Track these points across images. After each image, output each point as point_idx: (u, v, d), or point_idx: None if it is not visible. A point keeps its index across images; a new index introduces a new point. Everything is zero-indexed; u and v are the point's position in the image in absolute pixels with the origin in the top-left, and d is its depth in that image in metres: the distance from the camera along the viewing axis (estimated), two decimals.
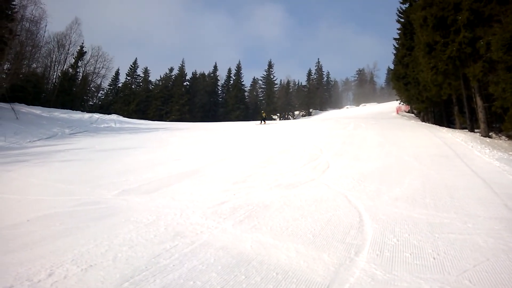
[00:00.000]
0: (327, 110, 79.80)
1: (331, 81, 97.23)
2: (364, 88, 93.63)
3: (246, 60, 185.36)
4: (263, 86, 78.63)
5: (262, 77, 79.44)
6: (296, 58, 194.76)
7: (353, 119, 29.99)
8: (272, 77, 78.03)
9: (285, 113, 74.55)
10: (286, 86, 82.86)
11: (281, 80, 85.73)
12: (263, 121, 31.04)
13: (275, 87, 79.05)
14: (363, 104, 78.78)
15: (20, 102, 31.13)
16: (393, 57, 35.64)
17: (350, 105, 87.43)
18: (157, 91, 64.38)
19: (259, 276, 3.43)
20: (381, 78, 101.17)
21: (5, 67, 27.44)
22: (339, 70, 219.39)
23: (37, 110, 30.90)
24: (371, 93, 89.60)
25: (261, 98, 77.47)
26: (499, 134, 16.22)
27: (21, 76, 31.32)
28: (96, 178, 9.03)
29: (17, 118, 25.12)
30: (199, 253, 4.02)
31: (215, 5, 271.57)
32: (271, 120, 26.07)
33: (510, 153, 11.73)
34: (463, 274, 3.39)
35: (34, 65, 42.63)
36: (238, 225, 5.06)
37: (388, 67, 77.00)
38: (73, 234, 4.74)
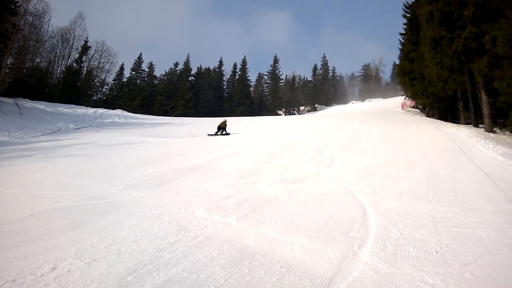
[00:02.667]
0: (332, 106, 79.34)
1: (337, 76, 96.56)
2: (369, 84, 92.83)
3: (253, 64, 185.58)
4: (268, 81, 78.29)
5: (267, 72, 79.16)
6: (302, 63, 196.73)
7: (358, 114, 29.87)
8: (277, 72, 77.67)
9: (291, 109, 74.21)
10: (291, 81, 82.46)
11: (286, 75, 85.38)
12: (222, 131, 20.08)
13: (281, 82, 78.66)
14: (369, 99, 78.22)
15: (23, 97, 31.28)
16: (398, 52, 35.51)
17: (355, 100, 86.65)
18: (162, 86, 64.43)
19: (263, 270, 3.45)
20: (386, 73, 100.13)
21: (9, 61, 27.46)
22: (345, 65, 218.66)
23: (41, 105, 31.10)
24: (376, 89, 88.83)
25: (267, 93, 77.15)
26: (503, 130, 16.11)
27: (24, 70, 31.38)
28: (101, 173, 9.09)
29: (20, 113, 25.28)
30: (203, 247, 4.04)
31: (224, 12, 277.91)
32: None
33: None
34: (465, 267, 3.39)
35: (38, 60, 42.74)
36: (243, 219, 5.07)
37: (394, 62, 76.33)
38: (77, 229, 4.77)
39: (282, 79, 79.73)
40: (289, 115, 66.80)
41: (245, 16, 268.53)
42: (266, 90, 78.17)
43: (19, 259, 3.80)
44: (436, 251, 3.78)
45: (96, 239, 4.33)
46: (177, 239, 4.28)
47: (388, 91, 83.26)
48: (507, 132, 15.32)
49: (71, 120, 26.95)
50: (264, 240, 4.25)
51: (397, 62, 39.09)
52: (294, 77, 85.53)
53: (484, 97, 16.76)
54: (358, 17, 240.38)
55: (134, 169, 9.44)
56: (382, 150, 11.34)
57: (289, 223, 4.85)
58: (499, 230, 4.32)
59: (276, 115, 63.55)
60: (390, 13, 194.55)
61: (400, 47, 34.05)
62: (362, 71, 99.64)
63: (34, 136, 19.78)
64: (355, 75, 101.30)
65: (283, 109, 73.58)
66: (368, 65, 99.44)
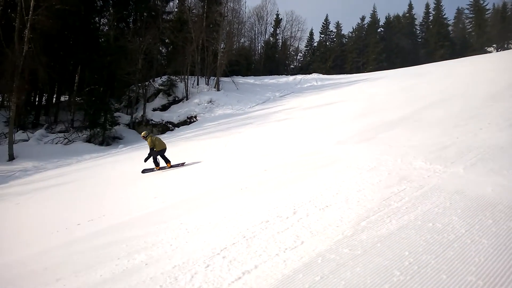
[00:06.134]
0: None
1: None
2: None
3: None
4: (470, 16, 65.68)
5: (467, 5, 66.25)
6: None
7: None
8: (481, 2, 63.92)
9: (506, 43, 60.04)
10: (502, 10, 66.34)
11: (494, 3, 68.92)
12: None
13: (487, 14, 64.42)
14: None
15: (236, 75, 35.99)
16: None
17: None
18: (351, 44, 62.89)
19: None
20: None
21: (221, 46, 31.80)
22: None
23: (250, 80, 35.19)
24: None
25: (470, 29, 65.06)
26: None
27: (233, 51, 35.79)
28: (310, 132, 9.76)
29: (237, 88, 29.48)
30: (431, 197, 3.84)
31: None
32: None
33: None
34: None
35: (242, 40, 48.15)
36: (470, 168, 4.57)
37: None
38: (304, 179, 5.32)
39: (488, 9, 65.02)
40: (503, 50, 54.30)
41: None
42: (469, 26, 65.77)
43: (266, 203, 4.55)
44: None
45: (323, 188, 4.72)
46: (400, 189, 4.21)
47: None
48: None
49: (276, 89, 29.66)
50: (503, 190, 3.71)
51: None
52: (505, 4, 68.33)
53: None
54: None
55: (340, 125, 9.80)
56: None
57: None
58: None
59: (485, 53, 52.16)
60: None
61: None
62: None
63: (250, 106, 22.87)
64: None
65: (494, 45, 60.13)
66: None
